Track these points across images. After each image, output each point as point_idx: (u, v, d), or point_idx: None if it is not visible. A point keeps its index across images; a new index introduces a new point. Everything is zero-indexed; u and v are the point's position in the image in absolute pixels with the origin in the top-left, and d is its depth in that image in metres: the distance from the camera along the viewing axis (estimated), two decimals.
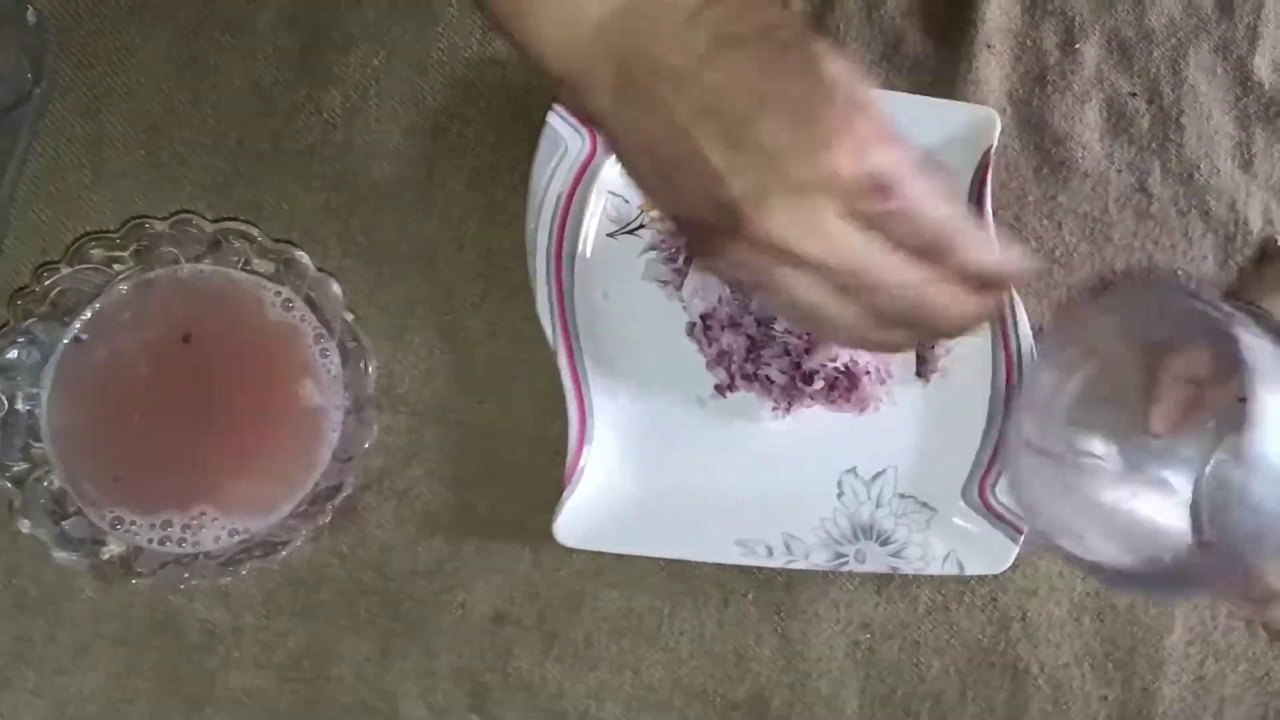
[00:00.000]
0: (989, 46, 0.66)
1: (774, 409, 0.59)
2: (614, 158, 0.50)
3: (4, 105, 0.57)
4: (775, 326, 0.58)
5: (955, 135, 0.62)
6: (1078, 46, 0.67)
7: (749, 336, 0.59)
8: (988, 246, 0.42)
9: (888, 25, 0.66)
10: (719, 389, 0.60)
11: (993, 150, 0.61)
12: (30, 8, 0.57)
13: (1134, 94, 0.67)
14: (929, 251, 0.40)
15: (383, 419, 0.57)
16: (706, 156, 0.39)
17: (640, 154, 0.41)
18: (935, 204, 0.40)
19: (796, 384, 0.58)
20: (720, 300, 0.59)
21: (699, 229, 0.41)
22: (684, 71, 0.39)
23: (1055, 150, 0.65)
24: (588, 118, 0.43)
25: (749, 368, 0.59)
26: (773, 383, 0.59)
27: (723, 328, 0.59)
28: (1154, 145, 0.66)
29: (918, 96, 0.63)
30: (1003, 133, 0.62)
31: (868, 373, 0.58)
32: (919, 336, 0.47)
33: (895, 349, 0.47)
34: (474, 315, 0.60)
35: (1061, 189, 0.65)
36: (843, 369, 0.58)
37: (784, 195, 0.38)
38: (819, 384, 0.58)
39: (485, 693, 0.56)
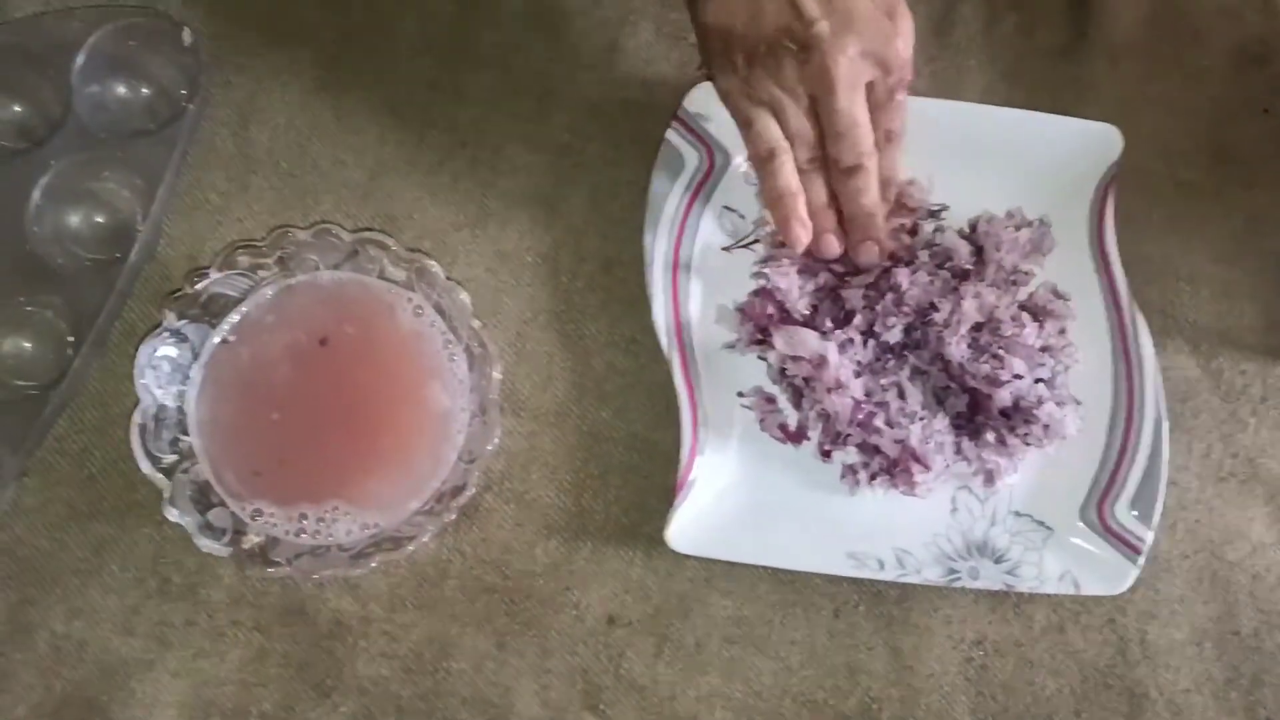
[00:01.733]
0: (1111, 63, 0.65)
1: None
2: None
3: (161, 120, 0.61)
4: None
5: (1078, 152, 0.62)
6: (1204, 64, 0.66)
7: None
8: (899, 168, 0.59)
9: (1009, 42, 0.66)
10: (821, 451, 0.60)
11: (1116, 166, 0.61)
12: (186, 30, 0.61)
13: (1266, 110, 0.65)
14: (880, 142, 0.57)
15: (504, 423, 0.59)
16: (802, 4, 0.53)
17: None
18: (905, 114, 0.57)
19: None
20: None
21: (754, 46, 0.54)
22: None
23: (1180, 168, 0.65)
24: None
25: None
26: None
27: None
28: None
29: (1040, 114, 0.63)
30: (1125, 149, 0.61)
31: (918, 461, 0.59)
32: (820, 214, 0.58)
33: (797, 217, 0.57)
34: (592, 325, 0.62)
35: (1187, 206, 0.64)
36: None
37: (854, 47, 0.53)
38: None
39: (598, 693, 0.57)
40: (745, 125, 0.57)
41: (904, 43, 0.55)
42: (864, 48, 0.53)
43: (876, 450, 0.58)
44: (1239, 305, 0.63)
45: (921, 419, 0.58)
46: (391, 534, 0.55)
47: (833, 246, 0.59)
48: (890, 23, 0.54)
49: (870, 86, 0.55)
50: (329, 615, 0.58)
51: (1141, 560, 0.57)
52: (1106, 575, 0.57)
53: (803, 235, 0.57)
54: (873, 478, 0.58)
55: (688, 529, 0.57)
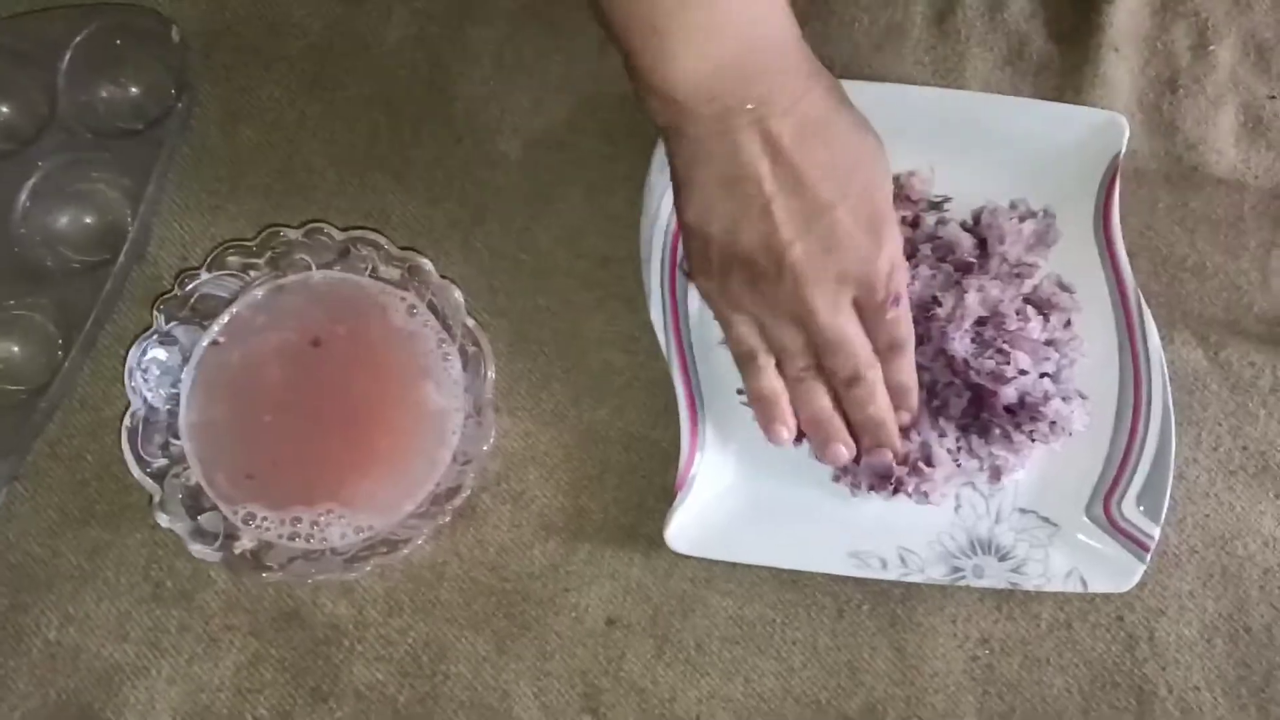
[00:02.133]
0: (1116, 50, 0.64)
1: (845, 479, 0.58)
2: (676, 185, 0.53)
3: (149, 119, 0.60)
4: None
5: (1082, 140, 0.60)
6: (1211, 49, 0.65)
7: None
8: (910, 373, 0.56)
9: (1011, 28, 0.65)
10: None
11: (1121, 156, 0.60)
12: (174, 27, 0.60)
13: (1273, 97, 0.64)
14: (883, 352, 0.54)
15: (500, 423, 0.59)
16: (779, 224, 0.50)
17: (715, 187, 0.51)
18: (907, 323, 0.54)
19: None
20: None
21: (730, 257, 0.52)
22: (781, 140, 0.49)
23: (1187, 156, 0.63)
24: (676, 142, 0.51)
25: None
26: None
27: None
28: None
29: (1043, 102, 0.62)
30: (1131, 138, 0.60)
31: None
32: (823, 423, 0.56)
33: (779, 419, 0.56)
34: (590, 323, 0.61)
35: (1194, 195, 0.63)
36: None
37: (831, 271, 0.51)
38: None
39: (598, 695, 0.56)
40: (724, 327, 0.56)
41: (886, 260, 0.52)
42: (842, 269, 0.51)
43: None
44: (1247, 295, 0.62)
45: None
46: (386, 537, 0.54)
47: (840, 455, 0.56)
48: (872, 240, 0.51)
49: (857, 303, 0.53)
50: (324, 619, 0.57)
51: (1149, 557, 0.56)
52: (1114, 572, 0.56)
53: (785, 435, 0.56)
54: (871, 488, 0.57)
55: (687, 529, 0.56)
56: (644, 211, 0.59)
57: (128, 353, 0.54)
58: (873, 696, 0.57)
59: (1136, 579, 0.56)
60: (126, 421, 0.53)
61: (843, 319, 0.53)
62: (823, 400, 0.55)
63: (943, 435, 0.57)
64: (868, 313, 0.53)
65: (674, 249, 0.60)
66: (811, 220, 0.50)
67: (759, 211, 0.50)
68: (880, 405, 0.55)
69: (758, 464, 0.59)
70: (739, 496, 0.58)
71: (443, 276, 0.56)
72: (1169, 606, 0.58)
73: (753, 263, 0.51)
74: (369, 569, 0.53)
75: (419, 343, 0.56)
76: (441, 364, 0.56)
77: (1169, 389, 0.58)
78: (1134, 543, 0.56)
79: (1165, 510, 0.56)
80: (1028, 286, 0.60)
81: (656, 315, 0.58)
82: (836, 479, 0.58)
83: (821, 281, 0.51)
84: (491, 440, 0.55)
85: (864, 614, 0.58)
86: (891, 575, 0.56)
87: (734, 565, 0.58)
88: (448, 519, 0.54)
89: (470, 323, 0.55)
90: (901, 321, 0.54)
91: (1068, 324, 0.59)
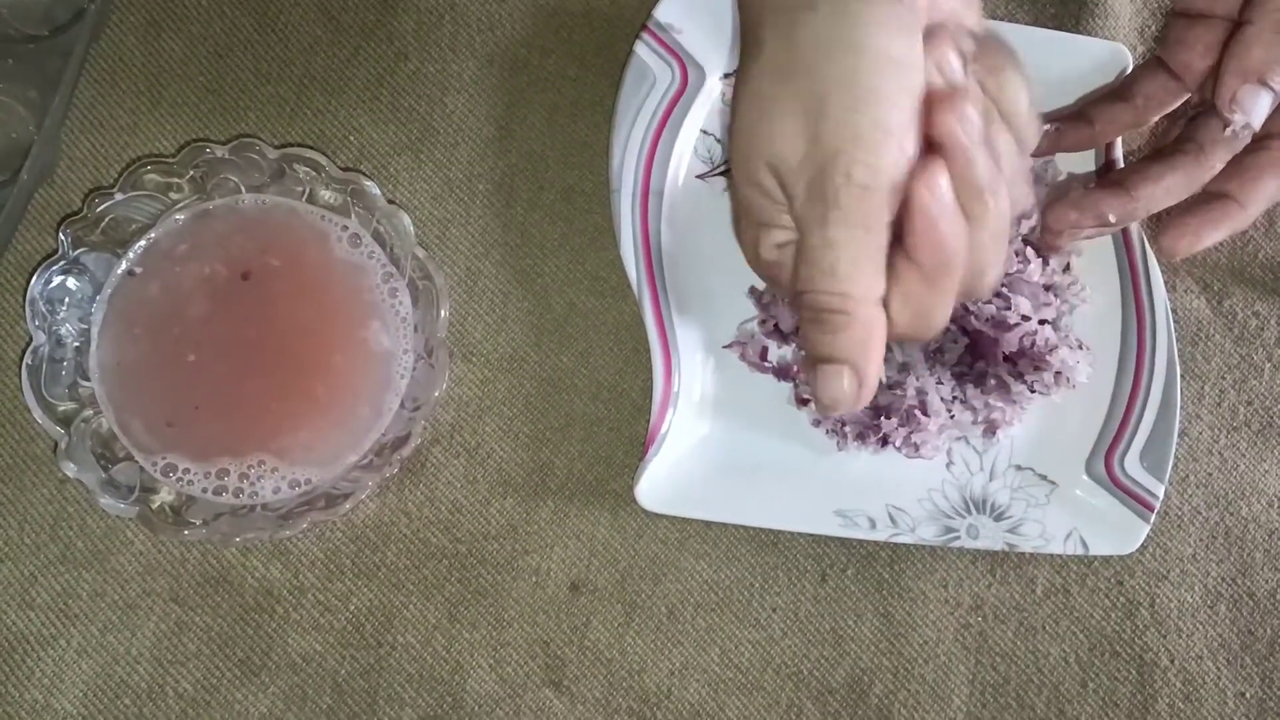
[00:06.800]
0: None
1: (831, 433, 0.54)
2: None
3: (57, 22, 0.54)
4: None
5: (1083, 72, 0.56)
6: None
7: None
8: None
9: None
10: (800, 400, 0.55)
11: None
12: None
13: None
14: None
15: (453, 369, 0.53)
16: None
17: None
18: None
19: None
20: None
21: None
22: None
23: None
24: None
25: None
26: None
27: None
28: None
29: (1042, 29, 0.58)
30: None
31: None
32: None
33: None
34: (552, 260, 0.56)
35: None
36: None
37: None
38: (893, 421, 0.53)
39: (561, 667, 0.52)
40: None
41: None
42: None
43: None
44: (1252, 241, 0.59)
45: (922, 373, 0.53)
46: (325, 491, 0.48)
47: None
48: None
49: None
50: (256, 584, 0.51)
51: (1153, 517, 0.52)
52: (1116, 533, 0.53)
53: None
54: (859, 438, 0.53)
55: (659, 485, 0.51)
56: (613, 139, 0.54)
57: (29, 282, 0.48)
58: (858, 667, 0.53)
59: (1140, 540, 0.52)
60: (27, 359, 0.47)
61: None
62: None
63: (940, 383, 0.53)
64: None
65: (646, 179, 0.54)
66: None
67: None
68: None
69: (737, 416, 0.54)
70: (716, 451, 0.53)
71: (390, 201, 0.50)
72: (1170, 571, 0.55)
73: None
74: (305, 526, 0.47)
75: (363, 276, 0.50)
76: (389, 300, 0.50)
77: (1174, 338, 0.54)
78: (1138, 502, 0.53)
79: (1170, 468, 0.53)
80: (1025, 227, 0.55)
81: (627, 251, 0.53)
82: (817, 424, 0.53)
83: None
84: (444, 385, 0.49)
85: (849, 579, 0.54)
86: (881, 535, 0.52)
87: (709, 525, 0.53)
88: (395, 471, 0.48)
89: (421, 253, 0.50)
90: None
91: (1067, 268, 0.55)
